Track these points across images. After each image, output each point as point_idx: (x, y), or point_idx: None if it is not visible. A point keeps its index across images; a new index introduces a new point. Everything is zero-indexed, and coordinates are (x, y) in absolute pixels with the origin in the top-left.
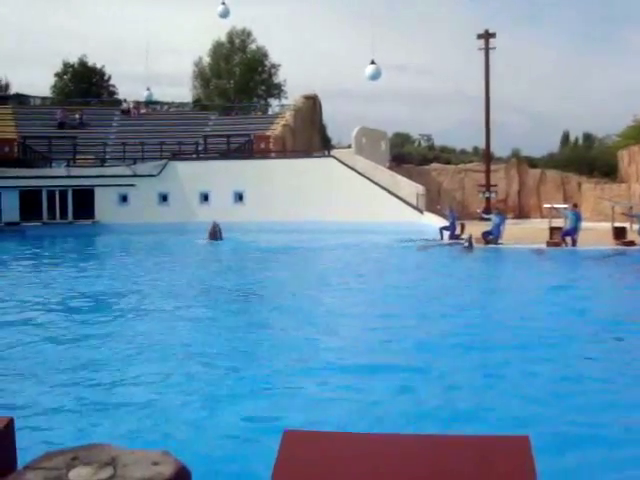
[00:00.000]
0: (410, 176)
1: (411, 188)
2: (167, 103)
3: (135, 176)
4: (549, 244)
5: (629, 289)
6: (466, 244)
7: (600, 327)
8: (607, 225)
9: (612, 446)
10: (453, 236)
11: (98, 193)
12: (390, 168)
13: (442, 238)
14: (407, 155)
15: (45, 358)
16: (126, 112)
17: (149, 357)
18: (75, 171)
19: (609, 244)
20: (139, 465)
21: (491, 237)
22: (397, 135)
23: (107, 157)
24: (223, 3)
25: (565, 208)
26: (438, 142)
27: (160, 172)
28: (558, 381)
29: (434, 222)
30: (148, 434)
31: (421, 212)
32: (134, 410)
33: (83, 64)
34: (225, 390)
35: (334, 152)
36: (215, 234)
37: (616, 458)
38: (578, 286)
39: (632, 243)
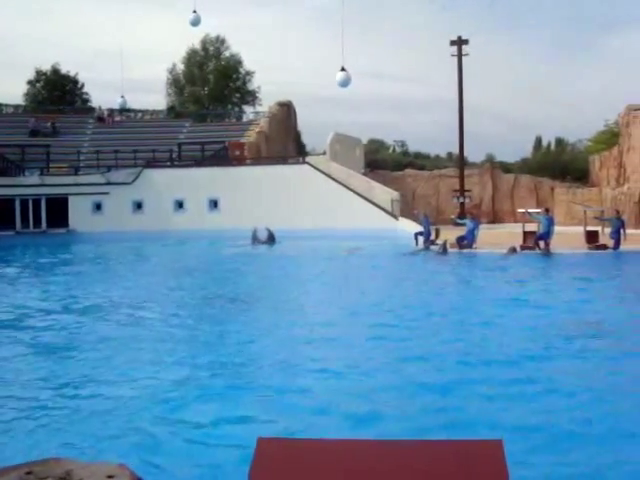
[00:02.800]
0: (385, 182)
1: (386, 194)
2: (141, 110)
3: (109, 184)
4: (523, 248)
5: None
6: (440, 249)
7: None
8: (580, 229)
9: None
10: (428, 241)
11: (72, 201)
12: (365, 174)
13: (417, 244)
14: (382, 161)
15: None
16: (100, 120)
17: None
18: (48, 179)
19: (582, 248)
20: (94, 478)
21: (465, 242)
22: (371, 141)
23: (81, 165)
24: (194, 11)
25: (538, 213)
26: (412, 148)
27: (134, 180)
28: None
29: (409, 227)
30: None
31: (396, 218)
32: None
33: (56, 72)
34: None
35: (309, 159)
36: (270, 238)
37: None
38: (539, 289)
39: (604, 247)
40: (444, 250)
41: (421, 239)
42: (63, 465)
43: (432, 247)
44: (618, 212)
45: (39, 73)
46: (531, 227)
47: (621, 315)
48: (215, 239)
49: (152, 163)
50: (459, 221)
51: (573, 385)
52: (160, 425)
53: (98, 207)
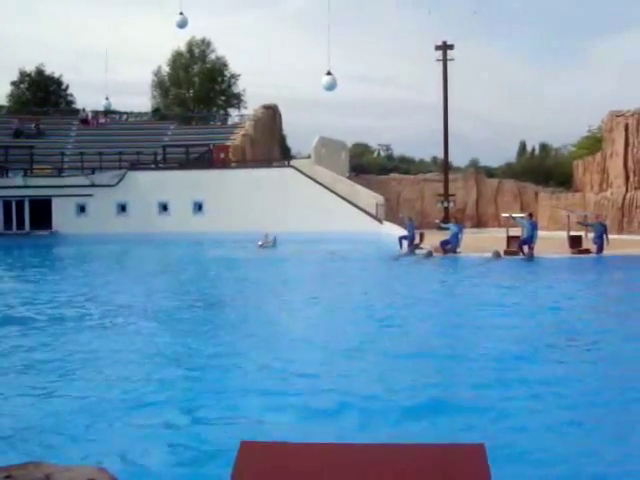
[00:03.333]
0: (369, 186)
1: (370, 198)
2: (126, 113)
3: (93, 186)
4: (506, 253)
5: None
6: (425, 254)
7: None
8: (563, 234)
9: None
10: (412, 245)
11: (56, 203)
12: (349, 178)
13: (401, 248)
14: (366, 165)
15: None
16: (84, 121)
17: None
18: (32, 181)
19: (565, 253)
20: None
21: (449, 246)
22: (356, 145)
23: (65, 167)
24: (181, 13)
25: (522, 217)
26: (397, 152)
27: (119, 182)
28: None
29: (393, 231)
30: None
31: (380, 222)
32: None
33: (40, 73)
34: None
35: (294, 162)
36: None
37: None
38: (521, 293)
39: (587, 251)
40: (429, 254)
41: (405, 243)
42: (43, 469)
43: (417, 251)
44: (601, 217)
45: (23, 74)
46: (515, 232)
47: (599, 320)
48: (203, 242)
49: (136, 165)
50: (443, 225)
51: (546, 391)
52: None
53: (82, 209)
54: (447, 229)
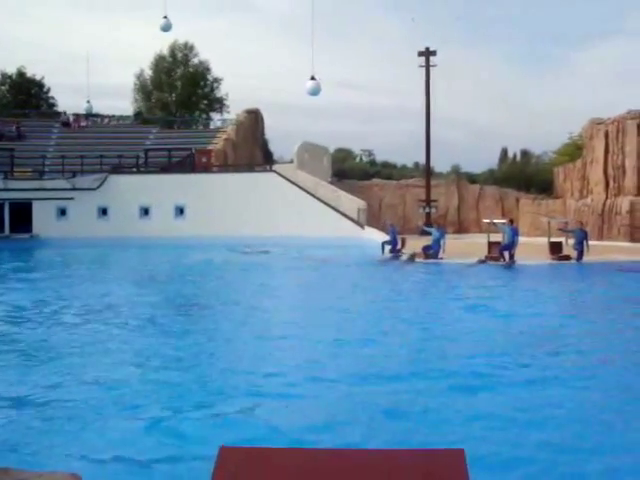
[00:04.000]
0: (352, 191)
1: (352, 203)
2: (108, 116)
3: (74, 189)
4: (488, 258)
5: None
6: (407, 259)
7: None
8: (544, 240)
9: None
10: (394, 250)
11: (36, 206)
12: (332, 183)
13: (383, 252)
14: (349, 170)
15: None
16: (66, 124)
17: None
18: (12, 184)
19: (546, 259)
20: None
21: (431, 251)
22: (339, 150)
23: (46, 170)
24: (165, 17)
25: (503, 223)
26: (380, 158)
27: (100, 186)
28: None
29: (375, 237)
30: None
31: (362, 227)
32: None
33: (22, 74)
34: None
35: (276, 167)
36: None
37: None
38: (500, 299)
39: (568, 257)
40: (411, 259)
41: (387, 248)
42: (13, 475)
43: (399, 256)
44: (581, 223)
45: (4, 76)
46: (496, 237)
47: (577, 326)
48: (185, 247)
49: (118, 169)
50: (426, 229)
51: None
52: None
53: (63, 212)
54: (430, 233)
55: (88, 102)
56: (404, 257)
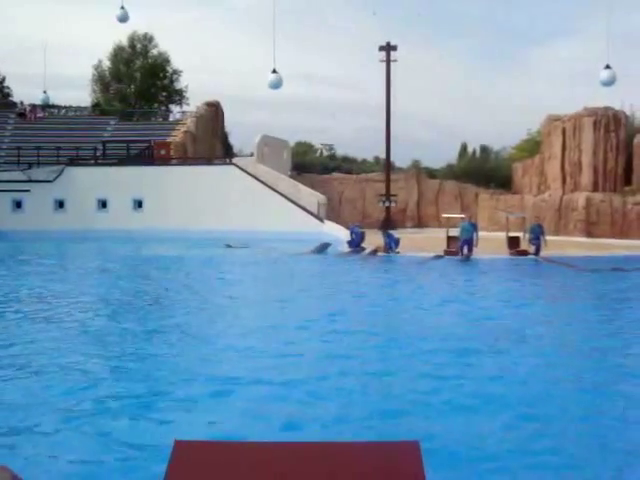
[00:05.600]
0: (312, 185)
1: (312, 197)
2: (65, 107)
3: (30, 181)
4: (447, 253)
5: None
6: (369, 251)
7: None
8: (502, 235)
9: None
10: (356, 246)
11: None
12: (292, 177)
13: (350, 247)
14: (309, 164)
15: None
16: (21, 115)
17: None
18: None
19: (504, 253)
20: None
21: (392, 246)
22: (299, 144)
23: (0, 162)
24: (122, 7)
25: (462, 218)
26: (340, 152)
27: (56, 178)
28: None
29: (334, 231)
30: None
31: (322, 221)
32: None
33: None
34: None
35: (235, 160)
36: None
37: None
38: (453, 293)
39: (525, 252)
40: (373, 253)
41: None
42: None
43: (360, 250)
44: (538, 218)
45: None
46: (455, 232)
47: (526, 320)
48: (142, 240)
49: (75, 161)
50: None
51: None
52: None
53: (18, 205)
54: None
55: (45, 93)
56: (366, 252)
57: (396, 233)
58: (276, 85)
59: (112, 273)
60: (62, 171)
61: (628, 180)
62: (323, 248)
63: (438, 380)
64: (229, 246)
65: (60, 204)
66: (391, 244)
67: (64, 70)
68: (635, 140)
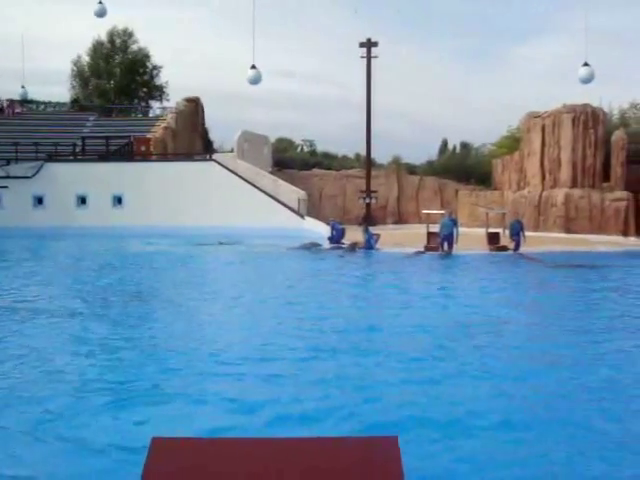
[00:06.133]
0: (292, 181)
1: (292, 193)
2: (44, 102)
3: (8, 177)
4: (427, 249)
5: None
6: (347, 249)
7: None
8: (482, 231)
9: None
10: (336, 242)
11: None
12: (272, 173)
13: (331, 243)
14: (289, 160)
15: None
16: None
17: None
18: None
19: (484, 249)
20: None
21: (369, 244)
22: (280, 140)
23: None
24: (100, 2)
25: (442, 214)
26: (320, 148)
27: (35, 174)
28: None
29: (315, 227)
30: None
31: (302, 217)
32: None
33: None
34: None
35: (216, 156)
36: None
37: None
38: (432, 288)
39: (505, 248)
40: (352, 248)
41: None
42: None
43: (340, 246)
44: (517, 215)
45: None
46: (435, 228)
47: (502, 316)
48: (124, 237)
49: (54, 157)
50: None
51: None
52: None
53: None
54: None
55: (23, 88)
56: (345, 248)
57: (373, 230)
58: (255, 81)
59: (85, 270)
60: (41, 167)
61: (606, 176)
62: (313, 246)
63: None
64: (221, 243)
65: (39, 200)
66: (370, 241)
67: (43, 65)
68: (613, 137)
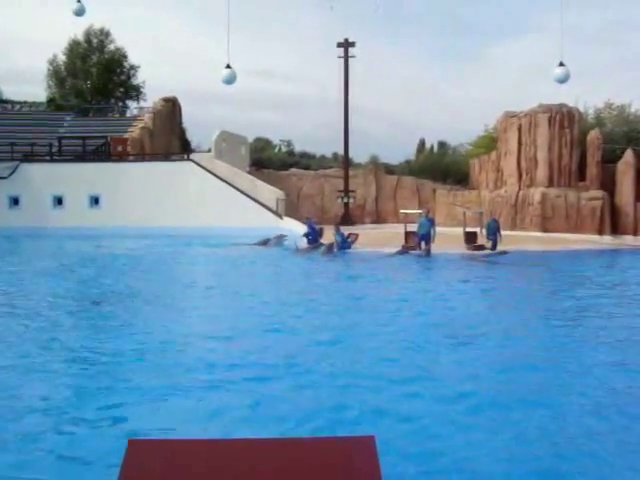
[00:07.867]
0: (270, 181)
1: (270, 193)
2: (19, 102)
3: None
4: (404, 248)
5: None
6: (325, 250)
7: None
8: (459, 230)
9: None
10: (314, 241)
11: None
12: (250, 173)
13: (308, 243)
14: (267, 160)
15: None
16: None
17: None
18: None
19: (461, 248)
20: None
21: (341, 244)
22: (258, 140)
23: None
24: (79, 1)
25: (420, 214)
26: (298, 148)
27: (11, 174)
28: None
29: (293, 227)
30: None
31: (280, 217)
32: None
33: None
34: None
35: (193, 156)
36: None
37: None
38: (408, 288)
39: (482, 247)
40: (329, 249)
41: (305, 239)
42: None
43: (318, 247)
44: (493, 214)
45: None
46: (413, 227)
47: (479, 315)
48: (97, 237)
49: (30, 157)
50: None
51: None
52: None
53: None
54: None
55: None
56: (322, 248)
57: (351, 230)
58: (229, 80)
59: (59, 271)
60: (17, 167)
61: (582, 176)
62: (279, 239)
63: None
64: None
65: (15, 201)
66: (342, 241)
67: (17, 64)
68: (588, 137)
